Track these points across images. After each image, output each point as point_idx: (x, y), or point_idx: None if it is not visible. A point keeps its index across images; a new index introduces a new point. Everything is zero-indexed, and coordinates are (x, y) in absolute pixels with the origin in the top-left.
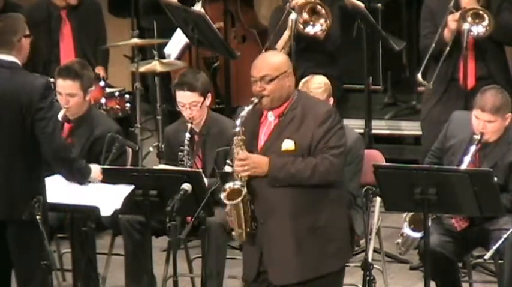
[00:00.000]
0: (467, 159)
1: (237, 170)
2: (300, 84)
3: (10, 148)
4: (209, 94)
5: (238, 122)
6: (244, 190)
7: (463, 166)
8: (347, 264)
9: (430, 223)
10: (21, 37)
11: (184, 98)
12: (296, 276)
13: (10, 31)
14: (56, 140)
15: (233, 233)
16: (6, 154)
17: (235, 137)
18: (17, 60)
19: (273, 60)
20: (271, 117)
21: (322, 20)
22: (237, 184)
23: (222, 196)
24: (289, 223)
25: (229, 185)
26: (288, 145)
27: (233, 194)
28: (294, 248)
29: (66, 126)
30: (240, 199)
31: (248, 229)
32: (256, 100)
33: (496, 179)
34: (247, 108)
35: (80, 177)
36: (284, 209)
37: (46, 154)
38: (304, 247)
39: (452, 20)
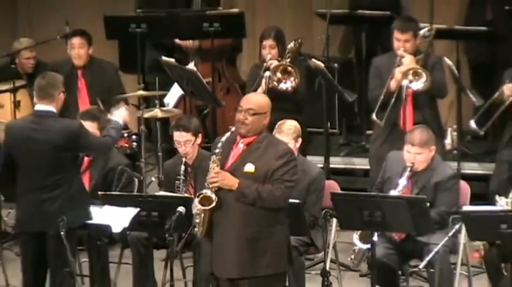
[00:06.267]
0: (402, 181)
1: (210, 181)
2: (276, 126)
3: (48, 177)
4: (200, 134)
5: (219, 145)
6: (215, 201)
7: (399, 187)
8: (309, 271)
9: (376, 238)
10: (60, 92)
11: (180, 137)
12: (236, 273)
13: (52, 86)
14: (106, 149)
15: (195, 229)
16: (44, 181)
17: (214, 156)
18: (54, 110)
19: (260, 100)
20: (241, 145)
21: (292, 78)
22: (209, 193)
23: (196, 200)
24: (237, 231)
25: (204, 192)
26: (249, 167)
27: (204, 200)
28: (237, 251)
29: (86, 159)
30: (211, 206)
31: (207, 228)
32: (233, 129)
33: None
34: (227, 135)
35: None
36: (235, 219)
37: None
38: (244, 252)
39: (398, 71)
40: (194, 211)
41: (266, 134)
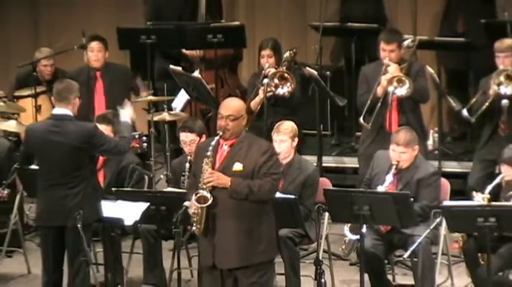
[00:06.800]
0: (388, 177)
1: (206, 181)
2: (275, 127)
3: (66, 175)
4: (204, 135)
5: (210, 148)
6: (211, 199)
7: (386, 183)
8: (304, 260)
9: (364, 230)
10: (76, 96)
11: (186, 137)
12: (236, 262)
13: (68, 90)
14: (121, 149)
15: (193, 227)
16: (62, 179)
17: (206, 159)
18: (71, 113)
19: (237, 105)
20: (225, 147)
21: (288, 84)
22: (205, 193)
23: (193, 198)
24: (234, 225)
25: (200, 192)
26: (237, 166)
27: (201, 199)
28: (236, 243)
29: (101, 159)
30: (208, 203)
31: (204, 226)
32: (221, 133)
33: (412, 199)
34: (216, 138)
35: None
36: (230, 215)
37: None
38: (242, 243)
39: (384, 79)
40: (191, 211)
41: (245, 134)
